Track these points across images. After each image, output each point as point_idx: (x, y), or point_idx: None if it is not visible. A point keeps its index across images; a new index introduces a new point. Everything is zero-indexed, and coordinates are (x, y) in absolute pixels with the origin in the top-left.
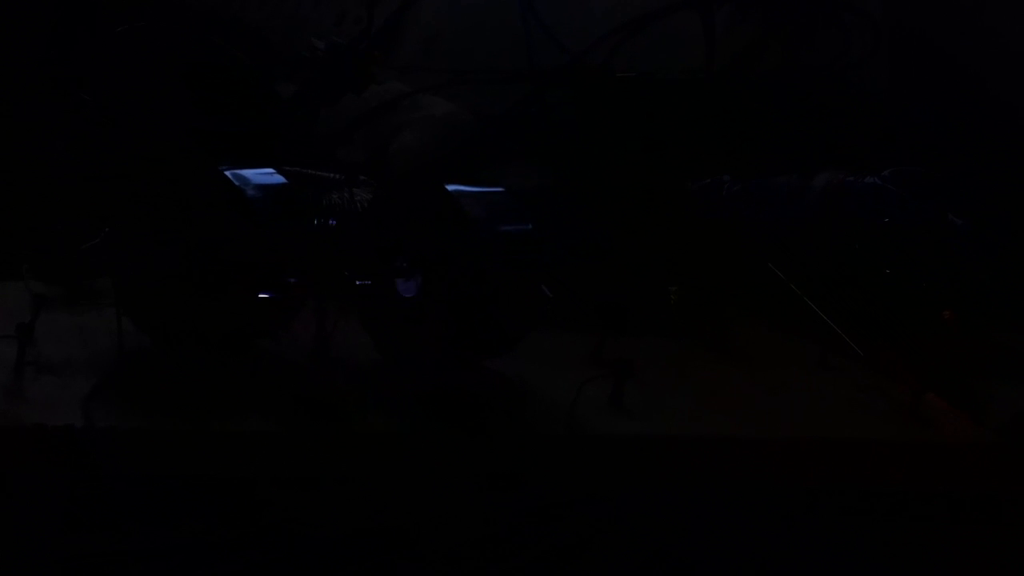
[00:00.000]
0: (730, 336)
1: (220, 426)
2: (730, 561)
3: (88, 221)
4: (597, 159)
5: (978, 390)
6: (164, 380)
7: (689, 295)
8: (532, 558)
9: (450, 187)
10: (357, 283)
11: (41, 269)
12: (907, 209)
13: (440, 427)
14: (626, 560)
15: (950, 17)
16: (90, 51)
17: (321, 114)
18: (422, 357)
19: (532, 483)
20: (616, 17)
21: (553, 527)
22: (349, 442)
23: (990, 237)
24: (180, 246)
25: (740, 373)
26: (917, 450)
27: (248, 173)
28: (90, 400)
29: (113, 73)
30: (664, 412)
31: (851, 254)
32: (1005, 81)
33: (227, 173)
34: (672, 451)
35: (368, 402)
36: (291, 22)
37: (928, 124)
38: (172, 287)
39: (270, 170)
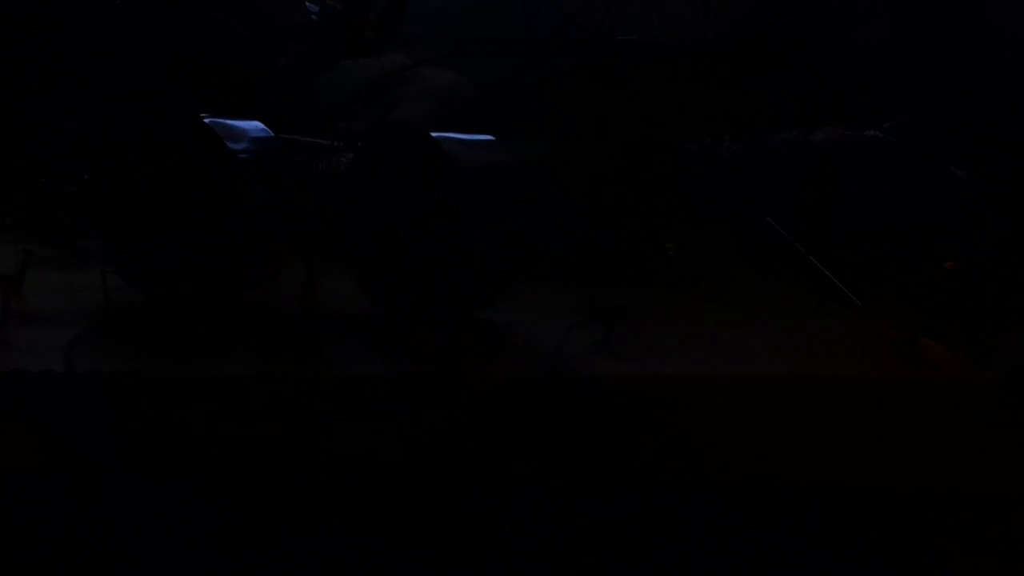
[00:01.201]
0: (728, 288)
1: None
2: (730, 561)
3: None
4: (597, 124)
5: (979, 335)
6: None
7: (687, 250)
8: (532, 558)
9: (436, 134)
10: (343, 237)
11: (27, 223)
12: (908, 162)
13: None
14: (626, 560)
15: None
16: (88, 19)
17: (324, 84)
18: (410, 306)
19: (532, 481)
20: None
21: (553, 527)
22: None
23: (991, 189)
24: (165, 198)
25: (738, 321)
26: (911, 388)
27: (234, 124)
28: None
29: (112, 41)
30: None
31: (851, 207)
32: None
33: (211, 123)
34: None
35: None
36: None
37: (930, 77)
38: (154, 243)
39: (258, 124)
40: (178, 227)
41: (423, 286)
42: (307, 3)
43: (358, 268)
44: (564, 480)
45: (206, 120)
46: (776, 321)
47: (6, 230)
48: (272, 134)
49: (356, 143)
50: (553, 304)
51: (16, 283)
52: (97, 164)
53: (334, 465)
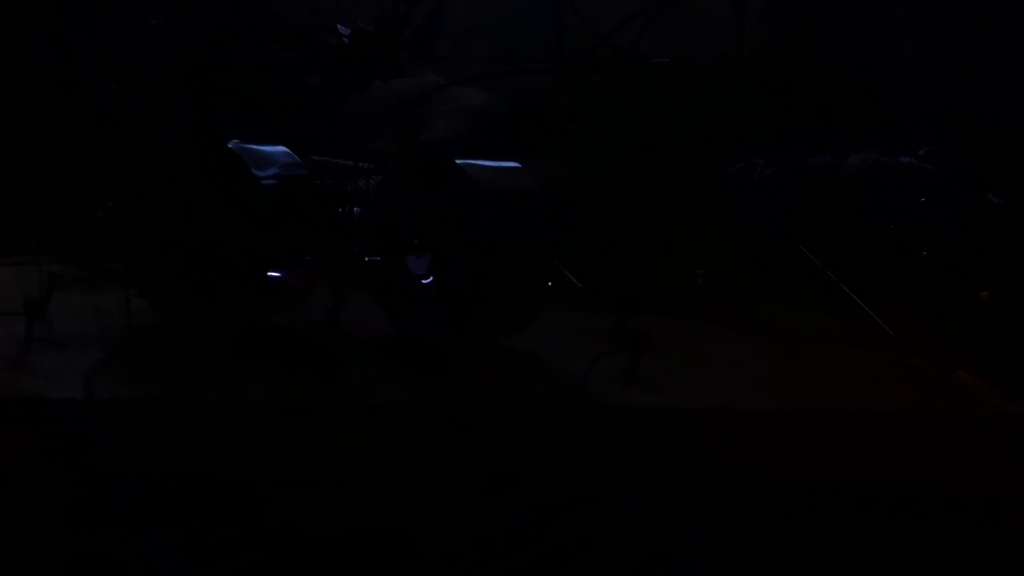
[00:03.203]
0: (757, 315)
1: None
2: (730, 561)
3: (94, 197)
4: (629, 145)
5: (1012, 366)
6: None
7: (716, 276)
8: (532, 558)
9: (460, 161)
10: (366, 259)
11: (51, 245)
12: (944, 188)
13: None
14: (626, 560)
15: None
16: (123, 42)
17: (357, 104)
18: (435, 332)
19: (532, 482)
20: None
21: (553, 527)
22: None
23: None
24: (187, 225)
25: (766, 348)
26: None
27: (258, 150)
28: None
29: (145, 64)
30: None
31: (885, 233)
32: None
33: (237, 151)
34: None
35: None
36: (332, 19)
37: (964, 101)
38: (179, 265)
39: (283, 149)
40: (202, 246)
41: (447, 307)
42: (339, 25)
43: (381, 288)
44: (564, 480)
45: (230, 145)
46: (805, 349)
47: (32, 252)
48: (297, 159)
49: (387, 163)
50: (580, 329)
51: (42, 306)
52: (123, 188)
53: (334, 465)
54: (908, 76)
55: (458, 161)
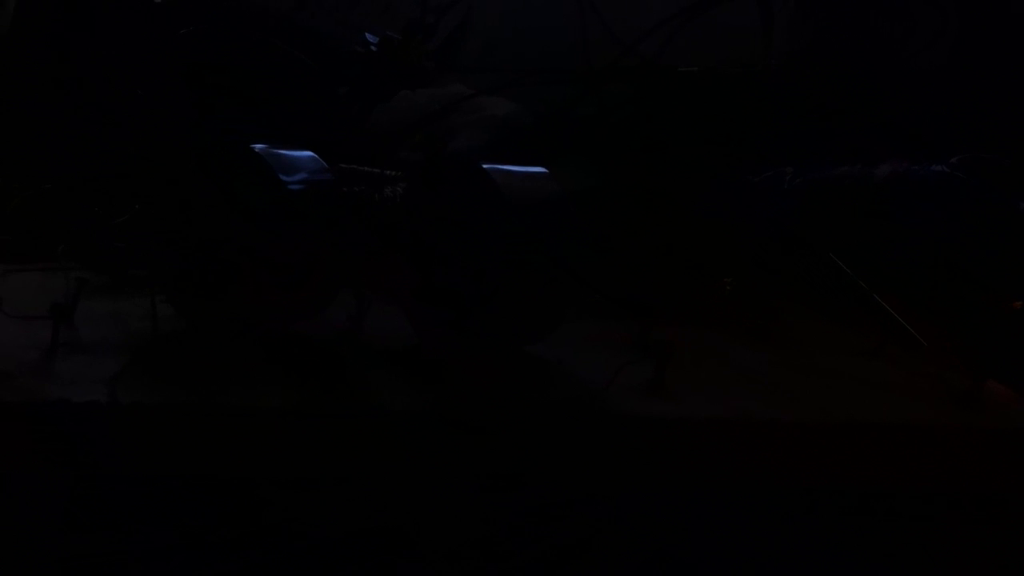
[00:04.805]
0: (784, 326)
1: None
2: (730, 561)
3: (121, 203)
4: (654, 154)
5: None
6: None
7: (744, 286)
8: (532, 558)
9: (487, 166)
10: (390, 266)
11: (78, 251)
12: (976, 198)
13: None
14: (626, 560)
15: None
16: (151, 50)
17: (383, 114)
18: (458, 339)
19: (532, 482)
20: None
21: (553, 527)
22: None
23: None
24: (213, 231)
25: (794, 360)
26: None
27: (285, 156)
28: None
29: (167, 69)
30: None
31: (916, 243)
32: None
33: (262, 153)
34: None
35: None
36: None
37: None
38: (205, 270)
39: (309, 153)
40: (228, 251)
41: (471, 315)
42: (366, 33)
43: (405, 297)
44: (564, 480)
45: (256, 148)
46: (829, 360)
47: (59, 258)
48: (325, 165)
49: (412, 172)
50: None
51: (68, 312)
52: (149, 194)
53: (334, 465)
54: (937, 84)
55: (484, 167)
